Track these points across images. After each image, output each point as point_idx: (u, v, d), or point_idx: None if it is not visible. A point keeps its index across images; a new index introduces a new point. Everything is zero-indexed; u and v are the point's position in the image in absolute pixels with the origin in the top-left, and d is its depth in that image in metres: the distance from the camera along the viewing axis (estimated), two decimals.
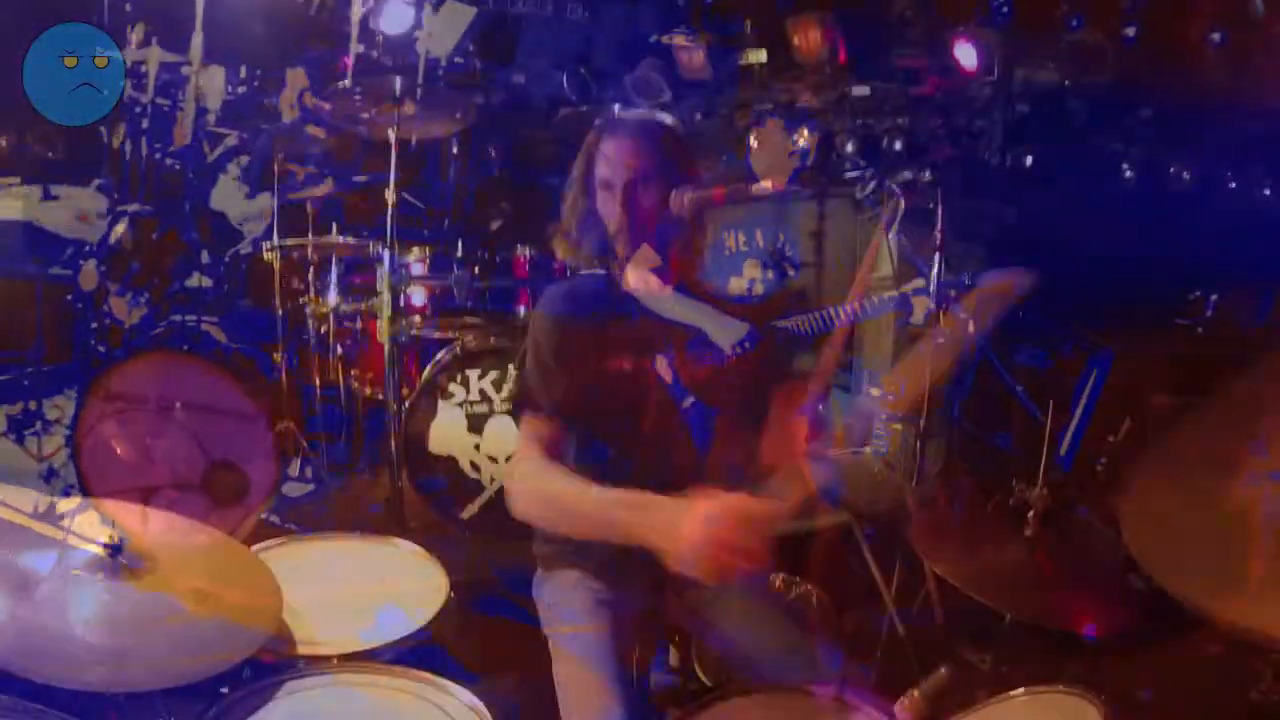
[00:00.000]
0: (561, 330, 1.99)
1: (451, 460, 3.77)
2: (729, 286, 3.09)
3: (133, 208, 3.51)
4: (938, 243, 2.87)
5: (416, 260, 4.18)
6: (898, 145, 5.70)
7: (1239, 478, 1.21)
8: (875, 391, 3.31)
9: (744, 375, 2.03)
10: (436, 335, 4.09)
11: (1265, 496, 1.16)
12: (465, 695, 1.74)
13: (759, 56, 5.60)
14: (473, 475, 3.76)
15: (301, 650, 1.89)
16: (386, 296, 3.76)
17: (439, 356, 3.91)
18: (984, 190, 4.96)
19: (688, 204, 1.94)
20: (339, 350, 4.30)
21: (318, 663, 1.84)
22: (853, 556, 3.10)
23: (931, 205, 2.99)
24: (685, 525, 1.55)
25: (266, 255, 4.04)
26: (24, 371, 3.58)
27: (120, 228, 3.43)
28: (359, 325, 4.34)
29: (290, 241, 4.23)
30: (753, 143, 2.60)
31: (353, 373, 4.42)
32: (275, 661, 1.82)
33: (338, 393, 4.14)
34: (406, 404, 3.77)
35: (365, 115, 3.27)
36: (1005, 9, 4.23)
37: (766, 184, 1.91)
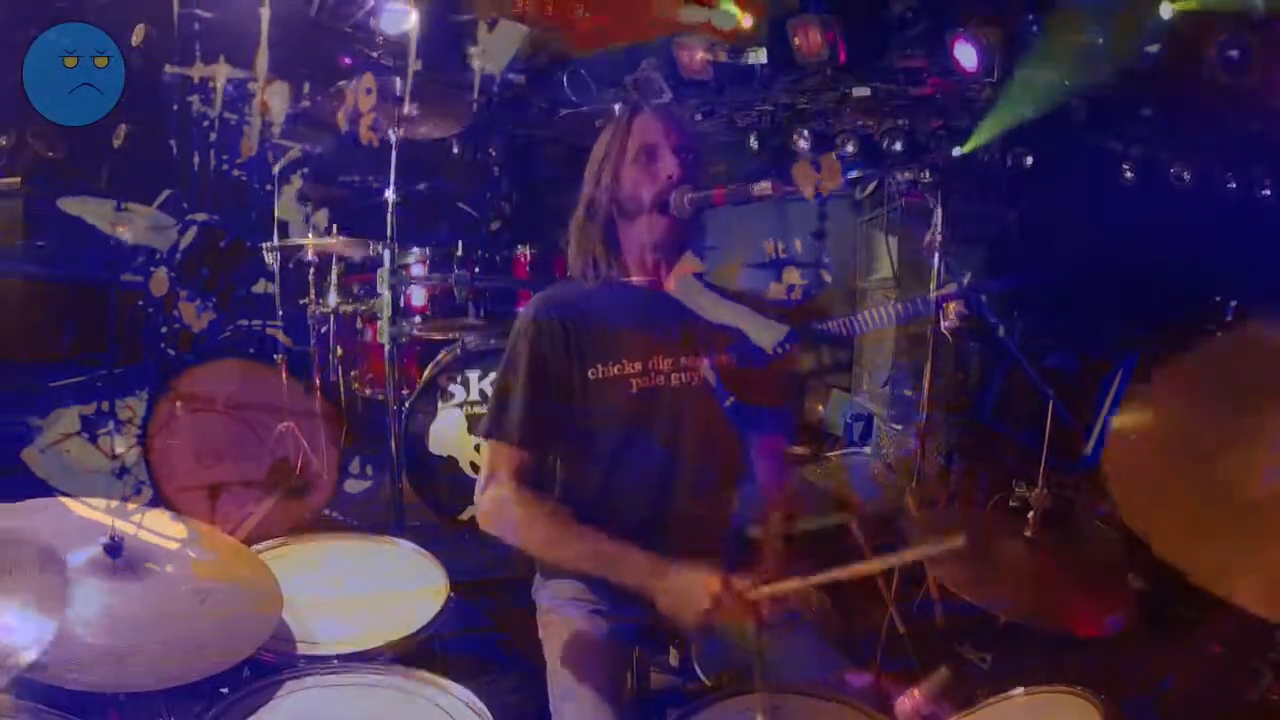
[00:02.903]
0: (588, 334, 1.96)
1: (451, 460, 3.77)
2: (770, 291, 3.13)
3: (201, 217, 3.62)
4: (938, 243, 2.88)
5: (416, 261, 4.18)
6: (898, 145, 5.71)
7: (1256, 469, 1.22)
8: None
9: (783, 375, 2.05)
10: (436, 335, 4.09)
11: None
12: (465, 695, 1.74)
13: (759, 56, 5.60)
14: (473, 475, 3.75)
15: (301, 650, 1.89)
16: (387, 296, 3.77)
17: (439, 357, 3.91)
18: (1000, 196, 5.01)
19: (688, 203, 1.94)
20: (339, 350, 4.30)
21: (318, 663, 1.84)
22: (853, 557, 3.10)
23: (932, 205, 3.00)
24: (695, 600, 1.68)
25: (267, 256, 4.06)
26: (98, 374, 3.74)
27: (189, 236, 3.53)
28: (359, 325, 4.35)
29: (290, 241, 4.24)
30: (812, 175, 2.66)
31: (352, 373, 4.43)
32: (275, 661, 1.82)
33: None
34: (406, 404, 3.77)
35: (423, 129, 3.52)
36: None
37: (766, 185, 1.91)
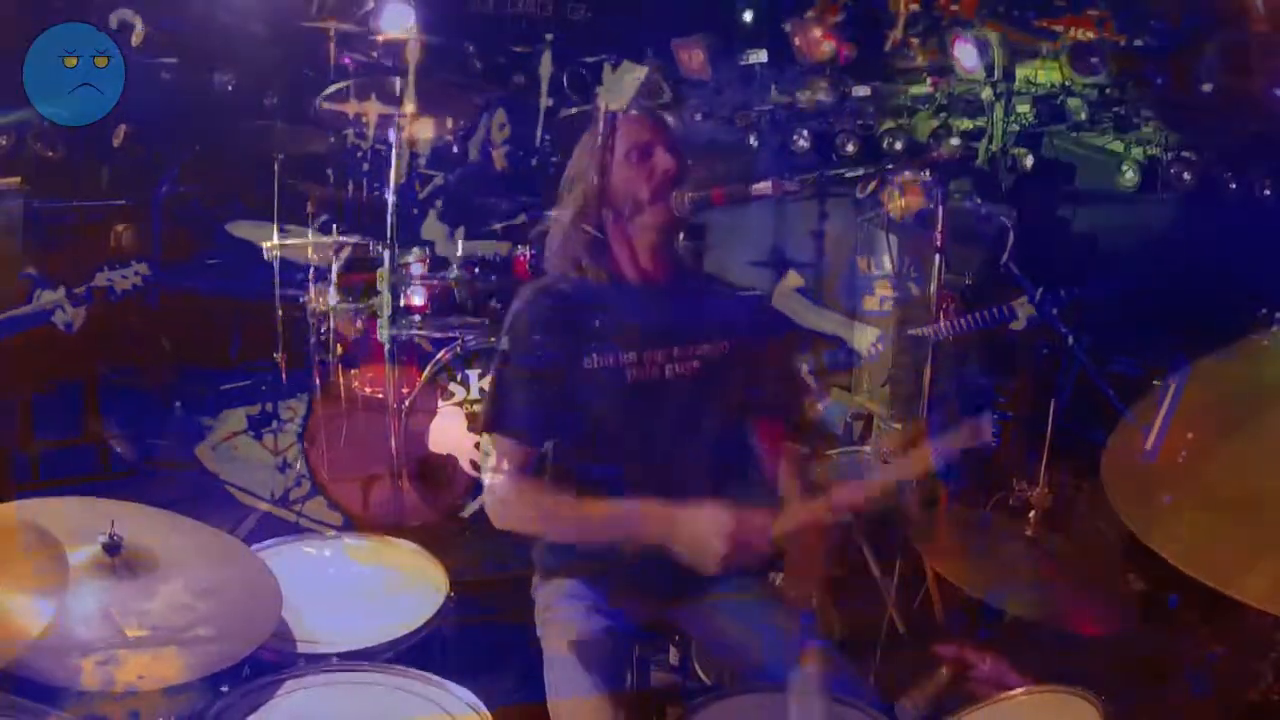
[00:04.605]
0: (581, 324, 1.98)
1: (451, 459, 3.77)
2: (864, 303, 3.48)
3: (354, 238, 3.99)
4: (938, 243, 2.89)
5: (416, 260, 4.20)
6: (898, 145, 5.72)
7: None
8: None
9: (876, 376, 2.11)
10: (437, 335, 4.10)
11: None
12: (465, 695, 1.74)
13: (759, 56, 5.61)
14: (473, 474, 3.76)
15: (301, 649, 1.89)
16: (387, 296, 3.78)
17: (439, 356, 3.91)
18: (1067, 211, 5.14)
19: (688, 202, 1.95)
20: (338, 350, 4.34)
21: (317, 662, 1.84)
22: (853, 556, 3.10)
23: (932, 205, 3.01)
24: (710, 541, 1.73)
25: (267, 256, 4.10)
26: (263, 378, 4.21)
27: (344, 255, 3.91)
28: (359, 325, 4.38)
29: (290, 241, 4.26)
30: (896, 198, 2.83)
31: (352, 372, 4.46)
32: (275, 661, 1.82)
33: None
34: (406, 403, 3.78)
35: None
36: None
37: (766, 185, 1.92)
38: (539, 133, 3.90)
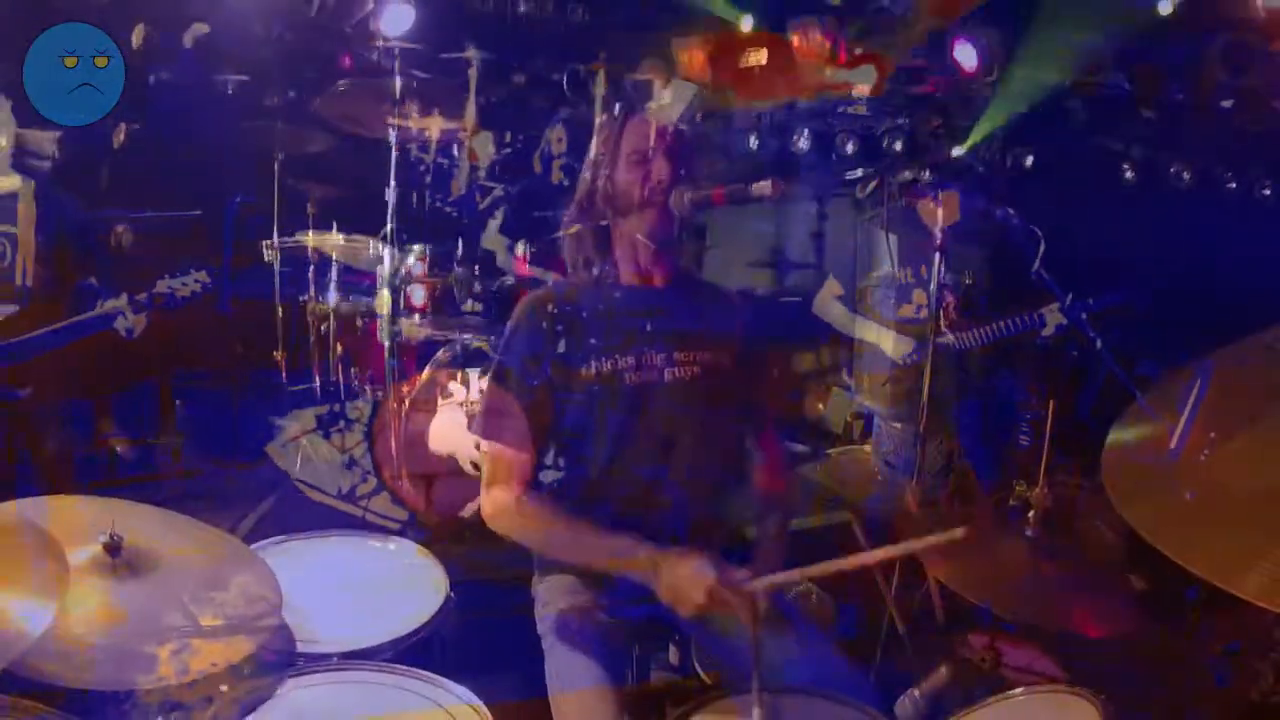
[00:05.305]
0: (580, 331, 2.00)
1: (451, 460, 3.77)
2: (900, 311, 3.58)
3: (417, 247, 4.15)
4: (938, 243, 2.90)
5: (416, 260, 4.22)
6: (898, 145, 5.72)
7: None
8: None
9: (911, 381, 2.12)
10: (437, 335, 4.11)
11: None
12: (465, 694, 1.74)
13: (759, 57, 5.61)
14: (473, 473, 3.76)
15: (302, 649, 1.89)
16: (386, 296, 3.80)
17: (438, 355, 3.92)
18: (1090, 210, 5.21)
19: (688, 202, 1.95)
20: (339, 348, 4.37)
21: (318, 661, 1.84)
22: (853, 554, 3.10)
23: (932, 205, 3.03)
24: (690, 591, 1.73)
25: (267, 255, 4.12)
26: (331, 380, 4.39)
27: (408, 263, 4.08)
28: (359, 325, 4.42)
29: (290, 241, 4.27)
30: (935, 210, 2.95)
31: (352, 371, 4.48)
32: (275, 660, 1.82)
33: None
34: (406, 402, 3.79)
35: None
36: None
37: (766, 185, 1.92)
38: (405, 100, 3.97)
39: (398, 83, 3.90)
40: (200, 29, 4.67)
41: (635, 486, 1.98)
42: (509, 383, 2.00)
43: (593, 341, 1.99)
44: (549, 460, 2.05)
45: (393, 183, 3.97)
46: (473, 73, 4.32)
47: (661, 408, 1.99)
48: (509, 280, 4.26)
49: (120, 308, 3.04)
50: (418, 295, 4.06)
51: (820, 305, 3.74)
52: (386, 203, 3.97)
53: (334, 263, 4.28)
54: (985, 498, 3.29)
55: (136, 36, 4.40)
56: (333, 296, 4.31)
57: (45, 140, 3.80)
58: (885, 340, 3.48)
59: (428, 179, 4.81)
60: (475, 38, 4.50)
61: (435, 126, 4.21)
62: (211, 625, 1.64)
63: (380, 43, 4.18)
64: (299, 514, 3.92)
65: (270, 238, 4.34)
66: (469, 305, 4.34)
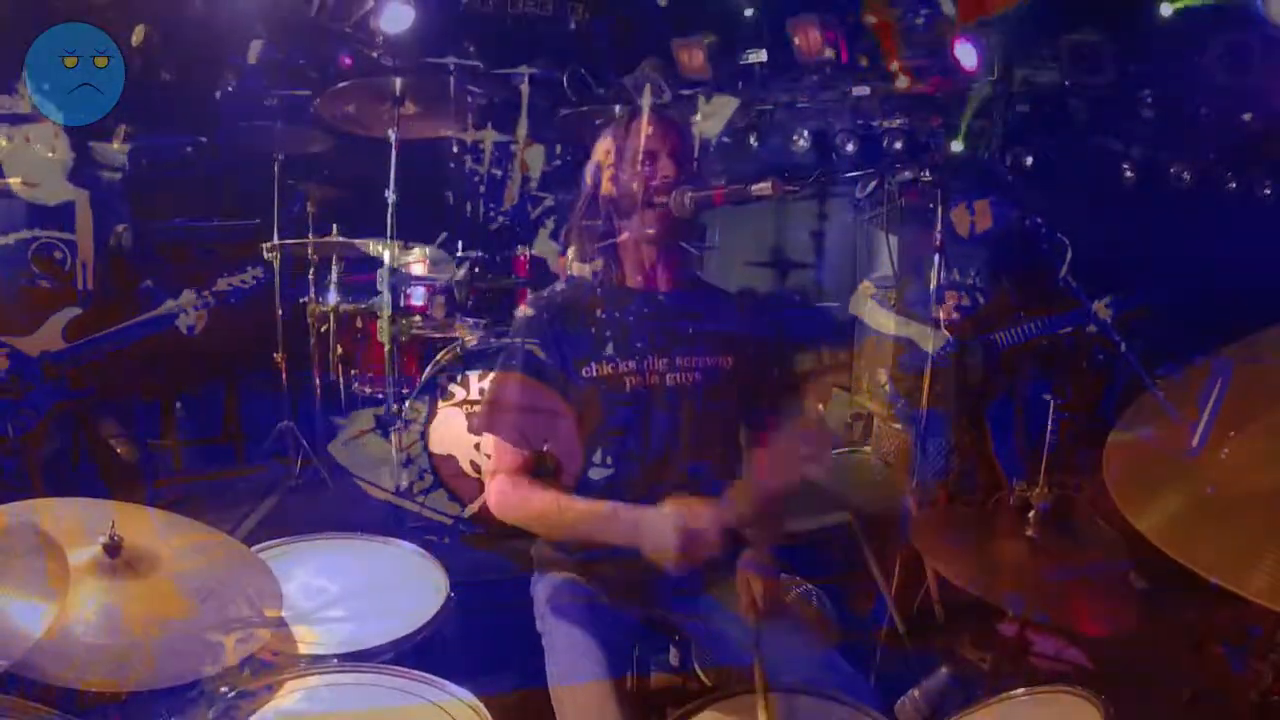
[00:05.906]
0: (582, 333, 2.02)
1: (451, 460, 3.78)
2: (934, 310, 3.60)
3: (472, 254, 4.37)
4: (938, 243, 2.90)
5: (416, 260, 4.23)
6: (898, 145, 5.72)
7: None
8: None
9: (945, 378, 2.12)
10: (437, 335, 4.12)
11: None
12: (465, 695, 1.74)
13: (759, 56, 5.62)
14: (473, 475, 3.76)
15: (301, 650, 1.89)
16: (386, 296, 3.81)
17: (439, 356, 3.92)
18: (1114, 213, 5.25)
19: (689, 202, 1.96)
20: (339, 349, 4.38)
21: (318, 662, 1.84)
22: (853, 556, 3.11)
23: (931, 205, 3.04)
24: (665, 539, 1.76)
25: (266, 255, 4.12)
26: (389, 381, 4.40)
27: (463, 270, 4.26)
28: (359, 325, 4.42)
29: (290, 241, 4.27)
30: (968, 218, 3.03)
31: (352, 372, 4.49)
32: (275, 661, 1.82)
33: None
34: (406, 403, 3.79)
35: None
36: None
37: (766, 185, 1.92)
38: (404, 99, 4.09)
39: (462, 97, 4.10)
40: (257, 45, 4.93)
41: (634, 488, 1.98)
42: (510, 381, 2.01)
43: (592, 344, 2.00)
44: (550, 460, 2.05)
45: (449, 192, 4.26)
46: (524, 89, 4.63)
47: (662, 412, 2.00)
48: (558, 286, 4.36)
49: (182, 305, 3.13)
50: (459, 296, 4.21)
51: (856, 303, 3.84)
52: (446, 208, 4.25)
53: (398, 270, 4.34)
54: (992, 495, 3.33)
55: (136, 36, 4.42)
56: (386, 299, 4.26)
57: (111, 152, 3.98)
58: (923, 339, 3.51)
59: (481, 189, 5.07)
60: (415, 18, 4.65)
61: (489, 139, 4.59)
62: (211, 626, 1.64)
63: (435, 59, 4.34)
64: (358, 510, 4.01)
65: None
66: (521, 310, 4.44)
